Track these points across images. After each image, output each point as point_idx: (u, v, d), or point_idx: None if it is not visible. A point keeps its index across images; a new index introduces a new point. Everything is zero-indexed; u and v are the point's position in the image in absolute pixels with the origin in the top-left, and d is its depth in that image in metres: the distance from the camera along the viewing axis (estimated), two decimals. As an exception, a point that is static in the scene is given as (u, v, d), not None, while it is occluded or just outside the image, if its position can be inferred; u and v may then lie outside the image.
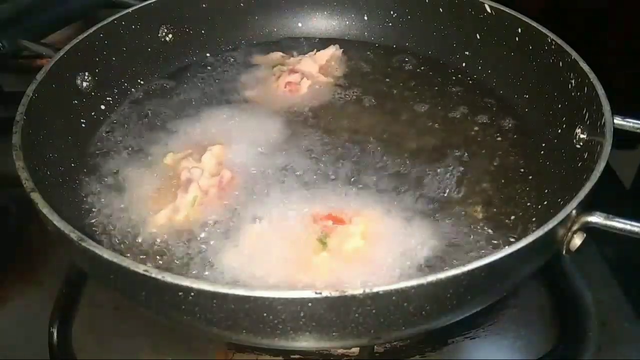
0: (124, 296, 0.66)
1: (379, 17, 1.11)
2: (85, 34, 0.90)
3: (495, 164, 0.85)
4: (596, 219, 0.62)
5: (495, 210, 0.78)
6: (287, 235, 0.72)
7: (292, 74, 0.99)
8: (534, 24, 0.90)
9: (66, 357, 0.75)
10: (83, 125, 0.88)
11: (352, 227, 0.73)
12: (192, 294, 0.52)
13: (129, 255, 0.72)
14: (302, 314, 0.52)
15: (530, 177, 0.82)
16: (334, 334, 0.55)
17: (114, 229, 0.75)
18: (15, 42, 0.96)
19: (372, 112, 0.95)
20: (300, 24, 1.14)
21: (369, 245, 0.71)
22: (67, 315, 0.80)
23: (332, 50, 1.05)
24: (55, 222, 0.59)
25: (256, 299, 0.51)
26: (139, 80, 1.00)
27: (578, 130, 0.78)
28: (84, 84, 0.90)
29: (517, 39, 0.93)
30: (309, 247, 0.71)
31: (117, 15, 0.95)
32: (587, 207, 0.62)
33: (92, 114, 0.91)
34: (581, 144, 0.77)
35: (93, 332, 0.78)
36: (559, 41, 0.85)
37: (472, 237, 0.74)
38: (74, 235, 0.57)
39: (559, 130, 0.84)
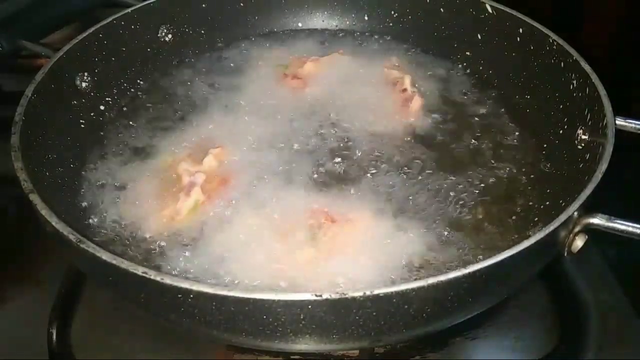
0: (123, 298, 0.66)
1: (380, 17, 1.11)
2: (85, 34, 0.90)
3: (496, 164, 0.84)
4: (598, 220, 0.61)
5: (496, 211, 0.77)
6: (286, 233, 0.72)
7: (296, 80, 0.99)
8: (536, 24, 0.90)
9: (65, 358, 0.75)
10: (82, 125, 0.88)
11: (346, 226, 0.73)
12: (191, 296, 0.52)
13: (128, 257, 0.72)
14: (302, 317, 0.52)
15: (532, 178, 0.82)
16: (334, 336, 0.55)
17: (113, 230, 0.75)
18: (14, 42, 0.96)
19: (372, 113, 0.94)
20: (300, 24, 1.14)
21: (364, 244, 0.71)
22: (66, 316, 0.79)
23: (336, 56, 1.04)
24: (53, 224, 0.58)
25: (256, 301, 0.51)
26: (138, 81, 1.00)
27: (579, 131, 0.78)
28: (83, 84, 0.89)
29: (518, 39, 0.93)
30: (303, 245, 0.71)
31: (116, 15, 0.95)
32: (589, 208, 0.62)
33: (92, 114, 0.91)
34: (583, 145, 0.77)
35: (93, 332, 0.78)
36: (561, 41, 0.85)
37: (472, 238, 0.74)
38: (73, 236, 0.57)
39: (561, 131, 0.83)
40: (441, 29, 1.05)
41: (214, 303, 0.52)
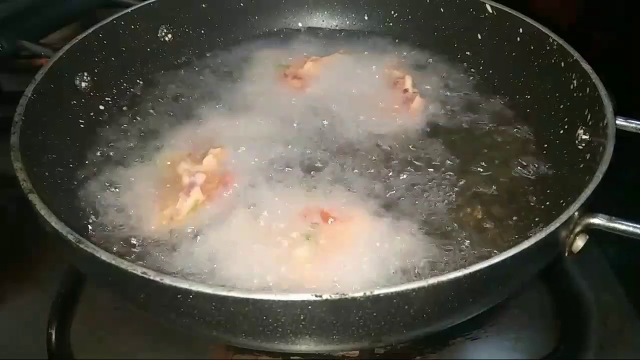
0: (123, 298, 0.66)
1: (380, 17, 1.11)
2: (85, 34, 0.90)
3: (496, 164, 0.84)
4: (599, 220, 0.61)
5: (496, 211, 0.77)
6: (285, 233, 0.72)
7: (296, 80, 0.99)
8: (536, 24, 0.90)
9: (65, 358, 0.75)
10: (82, 125, 0.88)
11: (345, 225, 0.73)
12: (191, 296, 0.52)
13: (127, 257, 0.71)
14: (302, 317, 0.52)
15: (532, 178, 0.82)
16: (334, 337, 0.55)
17: (113, 230, 0.75)
18: (14, 42, 0.96)
19: (372, 113, 0.94)
20: (300, 24, 1.14)
21: (363, 243, 0.71)
22: (66, 316, 0.79)
23: (337, 56, 1.04)
24: (53, 224, 0.58)
25: (255, 301, 0.51)
26: (137, 81, 1.00)
27: (580, 131, 0.78)
28: (83, 84, 0.89)
29: (518, 39, 0.93)
30: (302, 244, 0.71)
31: (116, 15, 0.95)
32: (589, 208, 0.62)
33: (91, 114, 0.91)
34: (583, 145, 0.77)
35: (93, 332, 0.78)
36: (561, 41, 0.85)
37: (472, 238, 0.73)
38: (72, 236, 0.57)
39: (561, 131, 0.83)
40: (441, 29, 1.05)
41: (213, 303, 0.52)
